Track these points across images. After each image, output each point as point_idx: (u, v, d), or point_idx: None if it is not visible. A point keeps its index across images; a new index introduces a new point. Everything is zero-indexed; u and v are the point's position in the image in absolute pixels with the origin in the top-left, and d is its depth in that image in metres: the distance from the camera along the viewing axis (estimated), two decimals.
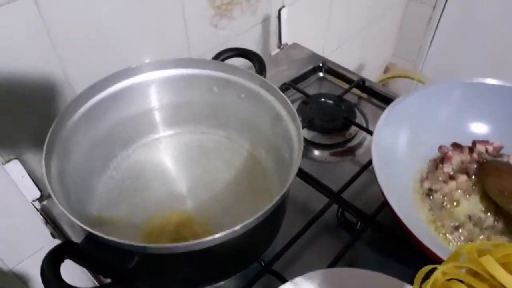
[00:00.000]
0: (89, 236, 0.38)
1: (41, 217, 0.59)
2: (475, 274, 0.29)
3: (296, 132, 0.47)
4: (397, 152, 0.57)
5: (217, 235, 0.36)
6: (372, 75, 1.43)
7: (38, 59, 0.52)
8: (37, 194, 0.58)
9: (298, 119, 0.46)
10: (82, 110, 0.49)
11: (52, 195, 0.39)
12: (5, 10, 0.46)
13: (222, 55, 0.58)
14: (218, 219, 0.50)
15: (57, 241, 0.61)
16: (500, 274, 0.27)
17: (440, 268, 0.30)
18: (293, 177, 0.40)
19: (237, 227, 0.37)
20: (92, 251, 0.38)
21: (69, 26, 0.53)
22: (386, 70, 1.48)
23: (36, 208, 0.58)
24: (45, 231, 0.62)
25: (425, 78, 1.11)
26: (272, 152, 0.53)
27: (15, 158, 0.55)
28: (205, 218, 0.50)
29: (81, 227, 0.37)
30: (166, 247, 0.36)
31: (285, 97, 0.49)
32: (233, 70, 0.54)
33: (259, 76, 0.53)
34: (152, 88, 0.54)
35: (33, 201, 0.58)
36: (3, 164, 0.54)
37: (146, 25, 0.62)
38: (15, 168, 0.55)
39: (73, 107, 0.48)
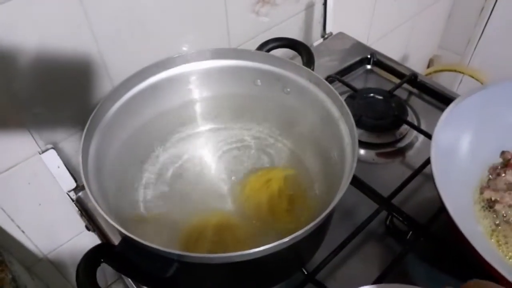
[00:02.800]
0: (126, 239, 0.36)
1: (76, 208, 0.58)
2: None
3: (348, 133, 0.43)
4: (457, 156, 0.52)
5: (263, 248, 0.33)
6: (416, 66, 1.35)
7: (77, 46, 0.50)
8: (73, 184, 0.56)
9: (352, 119, 0.42)
10: (122, 100, 0.48)
11: (88, 190, 0.38)
12: None
13: (267, 45, 0.55)
14: (259, 221, 0.46)
15: (91, 234, 0.59)
16: None
17: None
18: (345, 187, 0.36)
19: (286, 239, 0.33)
20: (129, 255, 0.36)
21: (108, 14, 0.50)
22: (431, 61, 1.40)
23: (72, 199, 0.57)
24: (80, 219, 0.62)
25: (477, 73, 1.04)
26: (319, 152, 0.49)
27: (52, 148, 0.53)
28: (246, 220, 0.46)
29: (118, 230, 0.35)
30: (208, 257, 0.33)
31: (337, 93, 0.45)
32: (278, 62, 0.50)
33: (307, 69, 0.49)
34: (193, 79, 0.52)
35: (69, 191, 0.57)
36: (40, 153, 0.53)
37: (186, 11, 0.59)
38: (51, 158, 0.54)
39: (112, 97, 0.47)
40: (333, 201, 0.36)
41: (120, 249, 0.36)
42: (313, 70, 0.51)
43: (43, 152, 0.53)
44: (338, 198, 0.36)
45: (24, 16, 0.44)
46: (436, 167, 0.46)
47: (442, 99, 0.67)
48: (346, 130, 0.43)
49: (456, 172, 0.51)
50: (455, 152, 0.52)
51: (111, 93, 0.45)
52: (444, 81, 1.34)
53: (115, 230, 0.36)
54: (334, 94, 0.45)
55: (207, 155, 0.54)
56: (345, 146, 0.43)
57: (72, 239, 0.67)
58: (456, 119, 0.51)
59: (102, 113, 0.45)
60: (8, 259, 0.57)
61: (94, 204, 0.35)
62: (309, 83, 0.49)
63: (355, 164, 0.38)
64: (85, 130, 0.43)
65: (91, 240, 0.67)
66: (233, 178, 0.51)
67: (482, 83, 1.03)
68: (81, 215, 0.57)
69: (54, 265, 0.68)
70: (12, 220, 0.58)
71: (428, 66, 1.42)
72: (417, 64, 1.36)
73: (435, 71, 1.13)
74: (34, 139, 0.52)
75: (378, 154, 0.61)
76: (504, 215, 0.49)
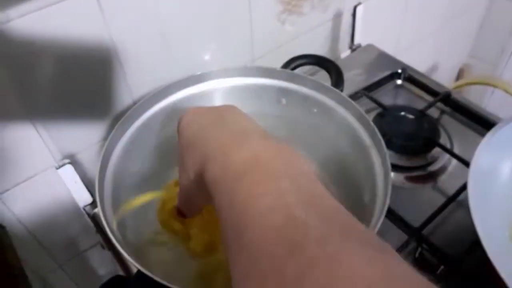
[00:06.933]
0: (142, 272, 0.34)
1: (92, 224, 0.56)
2: None
3: (380, 163, 0.40)
4: (496, 187, 0.48)
5: None
6: (446, 75, 1.30)
7: (97, 57, 0.49)
8: (89, 199, 0.55)
9: (385, 148, 0.39)
10: (142, 119, 0.46)
11: (104, 222, 0.36)
12: (67, 5, 0.42)
13: (293, 63, 0.52)
14: None
15: (106, 252, 0.58)
16: None
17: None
18: (378, 226, 0.34)
19: None
20: None
21: (130, 25, 0.49)
22: (461, 71, 1.34)
23: (88, 214, 0.56)
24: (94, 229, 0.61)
25: (511, 87, 0.98)
26: (346, 179, 0.46)
27: (69, 163, 0.52)
28: None
29: (133, 263, 0.33)
30: None
31: (369, 119, 0.42)
32: (305, 82, 0.48)
33: (336, 90, 0.46)
34: (216, 97, 0.49)
35: (85, 206, 0.55)
36: (56, 168, 0.52)
37: (209, 20, 0.57)
38: (68, 173, 0.52)
39: (133, 116, 0.45)
40: None
41: (135, 282, 0.35)
42: (342, 90, 0.48)
43: (59, 167, 0.51)
44: None
45: (42, 27, 0.42)
46: (473, 198, 0.42)
47: (478, 119, 0.63)
48: (378, 160, 0.40)
49: (494, 204, 0.47)
50: (494, 182, 0.48)
51: (131, 112, 0.44)
52: (473, 93, 1.29)
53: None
54: (365, 119, 0.42)
55: None
56: (376, 177, 0.40)
57: (88, 250, 0.66)
58: (498, 146, 0.48)
59: (120, 132, 0.44)
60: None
61: (110, 237, 0.34)
62: (337, 105, 0.46)
63: (388, 200, 0.35)
64: (102, 152, 0.42)
65: (108, 252, 0.66)
66: None
67: None
68: (97, 231, 0.56)
69: (69, 276, 0.67)
70: (29, 231, 0.57)
71: (458, 76, 1.37)
72: (446, 73, 1.31)
73: (466, 84, 1.08)
74: (50, 151, 0.51)
75: (408, 178, 0.57)
76: None
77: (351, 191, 0.44)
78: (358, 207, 0.41)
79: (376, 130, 0.41)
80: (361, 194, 0.42)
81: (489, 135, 0.47)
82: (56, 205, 0.57)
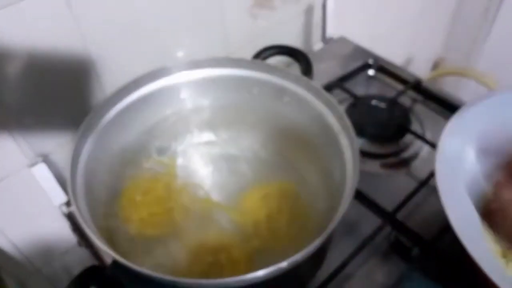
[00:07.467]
0: (117, 261, 0.34)
1: (68, 223, 0.56)
2: None
3: (349, 147, 0.41)
4: (464, 168, 0.49)
5: (260, 273, 0.31)
6: (421, 67, 1.32)
7: (68, 53, 0.48)
8: (64, 198, 0.55)
9: (353, 132, 0.40)
10: (112, 112, 0.46)
11: (76, 210, 0.36)
12: (34, 1, 0.42)
13: (264, 53, 0.53)
14: (257, 240, 0.44)
15: (83, 250, 0.57)
16: None
17: None
18: (346, 207, 0.34)
19: (284, 264, 0.31)
20: (120, 279, 0.34)
21: (101, 20, 0.48)
22: (436, 64, 1.37)
23: (63, 213, 0.55)
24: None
25: (483, 77, 1.00)
26: (320, 166, 0.47)
27: (42, 161, 0.51)
28: (243, 239, 0.44)
29: (109, 254, 0.33)
30: (202, 284, 0.31)
31: (337, 104, 0.43)
32: (276, 71, 0.48)
33: (305, 78, 0.47)
34: (187, 90, 0.50)
35: (60, 205, 0.55)
36: (29, 167, 0.51)
37: (181, 15, 0.57)
38: (41, 171, 0.52)
39: (102, 110, 0.45)
40: (332, 222, 0.34)
41: (111, 272, 0.35)
42: (311, 79, 0.48)
43: (32, 165, 0.51)
44: (338, 220, 0.33)
45: (12, 23, 0.42)
46: (441, 181, 0.43)
47: (448, 106, 0.65)
48: (347, 144, 0.41)
49: (463, 185, 0.48)
50: (462, 165, 0.49)
51: (101, 106, 0.44)
52: (448, 84, 1.31)
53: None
54: (333, 105, 0.43)
55: (201, 170, 0.52)
56: (346, 161, 0.41)
57: (66, 252, 0.66)
58: (462, 129, 0.49)
59: (91, 126, 0.43)
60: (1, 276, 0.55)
61: (83, 226, 0.34)
62: (307, 93, 0.47)
63: (356, 183, 0.36)
64: (74, 145, 0.41)
65: (86, 253, 0.65)
66: (229, 193, 0.49)
67: (490, 87, 1.00)
68: (73, 230, 0.56)
69: (48, 279, 0.66)
70: (4, 234, 0.56)
71: (433, 67, 1.40)
72: (422, 66, 1.33)
73: (439, 75, 1.10)
74: (23, 151, 0.51)
75: (381, 165, 0.59)
76: None
77: (325, 173, 0.45)
78: (332, 187, 0.42)
79: (344, 115, 0.41)
80: (333, 176, 0.43)
81: (453, 119, 0.48)
82: (32, 206, 0.56)
